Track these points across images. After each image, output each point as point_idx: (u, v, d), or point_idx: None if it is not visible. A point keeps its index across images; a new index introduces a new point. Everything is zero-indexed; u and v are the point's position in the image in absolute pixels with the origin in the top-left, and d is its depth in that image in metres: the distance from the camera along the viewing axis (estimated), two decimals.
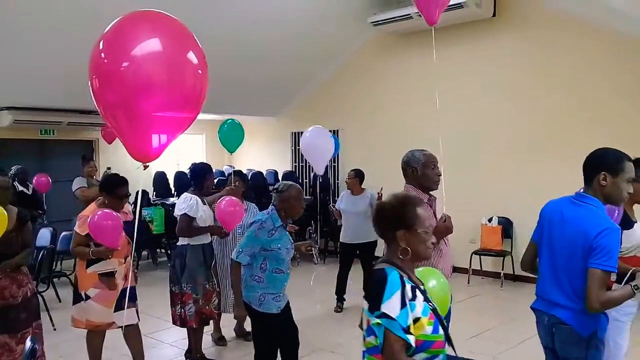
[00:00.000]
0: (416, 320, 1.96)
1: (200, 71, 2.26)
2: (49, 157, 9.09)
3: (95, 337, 4.24)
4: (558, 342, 2.65)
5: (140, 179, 9.47)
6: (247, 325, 5.42)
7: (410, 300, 1.97)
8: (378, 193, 6.41)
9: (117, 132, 2.35)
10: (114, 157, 9.38)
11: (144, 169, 2.38)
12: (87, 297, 4.05)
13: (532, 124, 7.40)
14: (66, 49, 6.69)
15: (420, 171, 3.22)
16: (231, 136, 6.44)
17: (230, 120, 6.56)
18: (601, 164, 2.59)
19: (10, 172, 7.32)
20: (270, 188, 10.11)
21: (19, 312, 3.80)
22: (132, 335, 4.27)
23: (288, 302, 3.79)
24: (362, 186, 6.57)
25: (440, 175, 3.28)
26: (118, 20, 2.29)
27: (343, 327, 5.82)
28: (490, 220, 7.59)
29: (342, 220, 6.60)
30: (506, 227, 7.55)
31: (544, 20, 7.26)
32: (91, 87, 2.24)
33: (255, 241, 3.58)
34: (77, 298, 4.11)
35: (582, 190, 2.69)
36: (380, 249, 7.86)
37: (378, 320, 1.93)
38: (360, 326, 2.16)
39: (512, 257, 7.48)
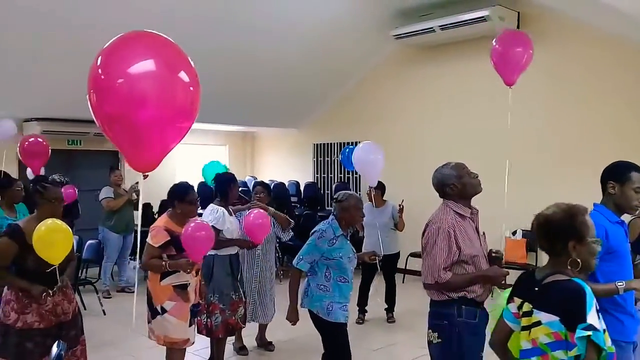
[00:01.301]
0: (604, 331, 1.95)
1: (192, 88, 2.36)
2: (76, 167, 9.26)
3: (178, 357, 4.05)
4: None
5: (164, 189, 9.60)
6: (269, 335, 5.44)
7: (598, 311, 1.96)
8: (399, 205, 6.40)
9: (115, 144, 2.44)
10: None
11: (144, 179, 2.50)
12: (164, 311, 3.88)
13: (555, 136, 7.34)
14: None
15: (460, 184, 3.02)
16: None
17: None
18: (610, 174, 2.83)
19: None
20: (293, 199, 10.19)
21: (70, 329, 3.59)
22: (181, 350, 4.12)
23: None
24: (384, 198, 6.57)
25: (477, 175, 3.10)
26: (115, 40, 2.40)
27: (365, 338, 5.80)
28: (514, 233, 7.52)
29: (364, 232, 6.60)
30: (530, 241, 7.47)
31: (568, 33, 7.21)
32: (89, 101, 2.34)
33: (315, 249, 3.63)
34: (154, 312, 3.93)
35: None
36: (402, 261, 7.83)
37: (588, 333, 1.88)
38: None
39: None
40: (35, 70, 6.84)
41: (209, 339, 4.83)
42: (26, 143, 6.71)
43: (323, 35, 7.96)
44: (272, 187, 8.51)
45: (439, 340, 2.91)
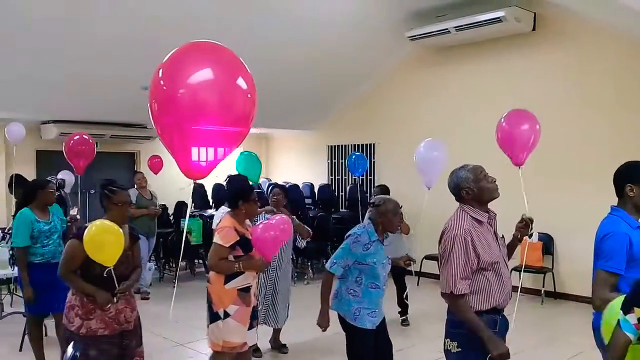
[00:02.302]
0: None
1: (249, 95, 2.45)
2: (92, 169, 9.32)
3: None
4: None
5: (179, 191, 9.65)
6: (283, 337, 5.44)
7: None
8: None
9: (171, 151, 2.50)
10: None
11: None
12: (227, 315, 3.73)
13: (572, 139, 7.25)
14: (110, 67, 6.94)
15: (476, 188, 2.88)
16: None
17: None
18: (626, 177, 2.77)
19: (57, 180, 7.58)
20: (307, 201, 10.19)
21: (131, 339, 3.41)
22: (247, 355, 4.05)
23: (384, 319, 3.74)
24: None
25: (495, 180, 2.96)
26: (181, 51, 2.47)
27: None
28: (530, 236, 7.44)
29: None
30: (547, 244, 7.40)
31: (586, 35, 7.13)
32: (150, 110, 2.45)
33: (349, 254, 3.56)
34: (215, 317, 3.76)
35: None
36: (417, 264, 7.68)
37: None
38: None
39: (552, 274, 7.31)
40: (52, 73, 6.93)
41: None
42: (71, 141, 6.51)
43: (338, 37, 7.96)
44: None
45: (459, 349, 2.79)
